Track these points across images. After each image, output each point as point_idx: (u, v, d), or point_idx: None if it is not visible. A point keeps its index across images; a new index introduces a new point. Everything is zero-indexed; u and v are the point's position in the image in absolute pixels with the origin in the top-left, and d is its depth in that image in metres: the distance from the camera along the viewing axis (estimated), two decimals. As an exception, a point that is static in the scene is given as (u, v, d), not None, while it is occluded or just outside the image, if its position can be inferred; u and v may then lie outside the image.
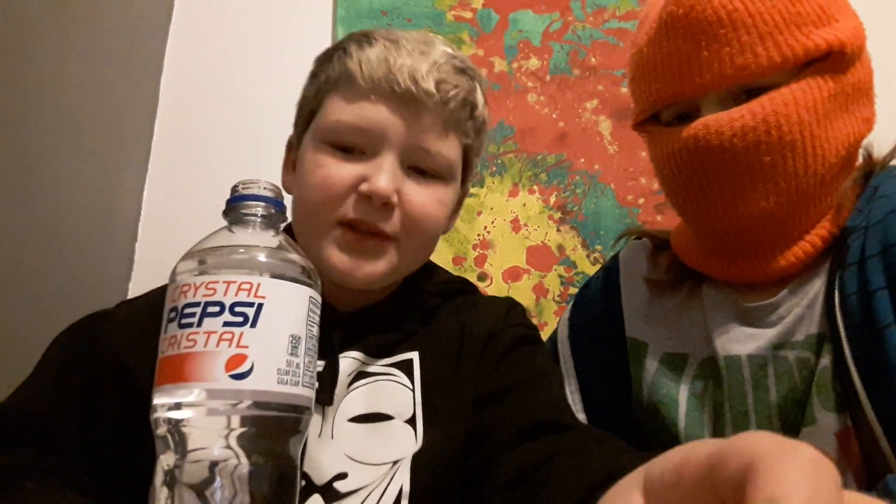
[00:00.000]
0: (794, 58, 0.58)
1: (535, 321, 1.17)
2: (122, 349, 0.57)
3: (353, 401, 0.58)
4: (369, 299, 0.64)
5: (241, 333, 0.34)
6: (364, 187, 0.57)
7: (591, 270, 1.20)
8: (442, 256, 1.19)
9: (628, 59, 0.71)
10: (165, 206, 1.17)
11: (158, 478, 0.33)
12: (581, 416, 0.73)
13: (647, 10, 0.69)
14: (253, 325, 0.34)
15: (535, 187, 1.25)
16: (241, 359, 0.33)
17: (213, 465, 0.33)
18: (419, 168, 0.60)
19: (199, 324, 0.34)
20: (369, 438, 0.56)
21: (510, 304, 0.69)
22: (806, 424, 0.59)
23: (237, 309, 0.34)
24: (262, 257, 0.37)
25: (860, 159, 0.65)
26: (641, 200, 1.25)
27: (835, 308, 0.57)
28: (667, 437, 0.68)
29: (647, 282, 0.75)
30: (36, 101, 0.86)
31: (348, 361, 0.59)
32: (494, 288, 1.18)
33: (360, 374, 0.59)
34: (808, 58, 0.58)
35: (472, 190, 1.24)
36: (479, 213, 1.23)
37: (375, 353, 0.61)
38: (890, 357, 0.52)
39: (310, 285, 0.38)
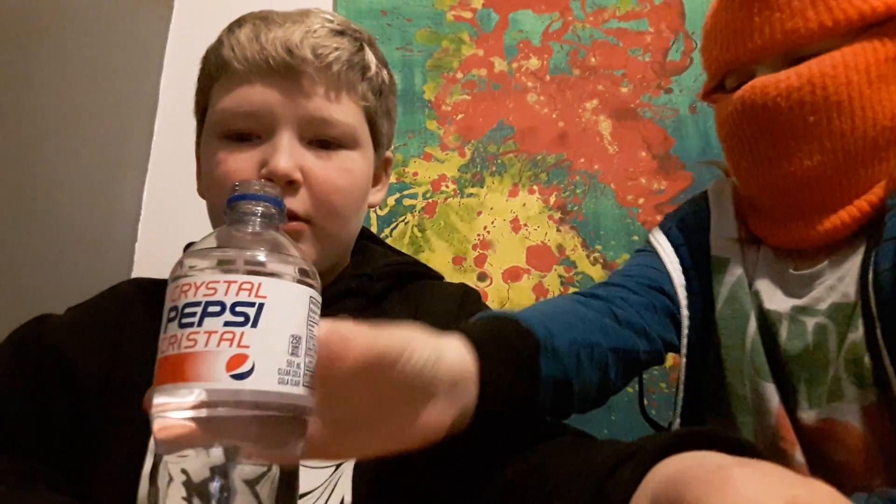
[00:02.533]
0: (846, 21, 0.58)
1: (535, 321, 1.17)
2: (66, 345, 0.56)
3: None
4: None
5: (242, 333, 0.33)
6: (264, 171, 0.55)
7: (591, 270, 1.20)
8: (442, 256, 1.19)
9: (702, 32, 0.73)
10: (165, 206, 1.16)
11: (161, 479, 0.33)
12: (685, 313, 0.72)
13: None
14: (254, 325, 0.34)
15: (534, 187, 1.25)
16: (241, 359, 0.33)
17: (215, 466, 0.33)
18: (321, 140, 0.58)
19: (200, 323, 0.33)
20: None
21: (464, 291, 0.66)
22: (833, 400, 0.59)
23: (238, 309, 0.34)
24: (262, 257, 0.37)
25: None
26: (641, 200, 1.25)
27: (868, 283, 0.58)
28: (737, 352, 0.68)
29: (736, 217, 0.74)
30: (36, 101, 0.86)
31: None
32: (494, 288, 1.18)
33: None
34: (864, 22, 0.59)
35: (472, 190, 1.24)
36: (479, 213, 1.23)
37: None
38: None
39: (310, 285, 0.38)
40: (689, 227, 0.77)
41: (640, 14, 1.38)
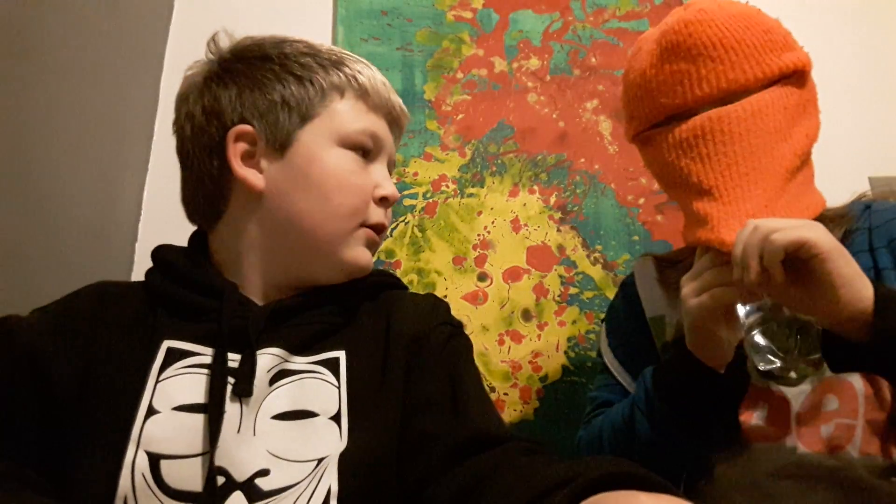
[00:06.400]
0: (771, 74, 0.74)
1: (535, 321, 1.17)
2: (39, 348, 0.56)
3: (277, 398, 0.58)
4: (286, 294, 0.65)
5: None
6: (384, 192, 0.68)
7: (592, 270, 1.20)
8: (442, 256, 1.19)
9: (626, 84, 0.84)
10: (165, 206, 1.16)
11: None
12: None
13: (639, 43, 0.83)
14: None
15: (535, 187, 1.25)
16: None
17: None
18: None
19: None
20: (293, 435, 0.56)
21: (434, 303, 0.71)
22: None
23: None
24: None
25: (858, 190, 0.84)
26: (641, 200, 1.26)
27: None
28: None
29: (659, 283, 0.89)
30: (36, 101, 0.86)
31: (267, 357, 0.59)
32: (495, 287, 1.18)
33: (284, 372, 0.59)
34: (782, 74, 0.75)
35: (472, 190, 1.24)
36: (479, 213, 1.23)
37: (297, 348, 0.61)
38: None
39: None
40: (624, 321, 0.92)
41: (640, 14, 1.38)
